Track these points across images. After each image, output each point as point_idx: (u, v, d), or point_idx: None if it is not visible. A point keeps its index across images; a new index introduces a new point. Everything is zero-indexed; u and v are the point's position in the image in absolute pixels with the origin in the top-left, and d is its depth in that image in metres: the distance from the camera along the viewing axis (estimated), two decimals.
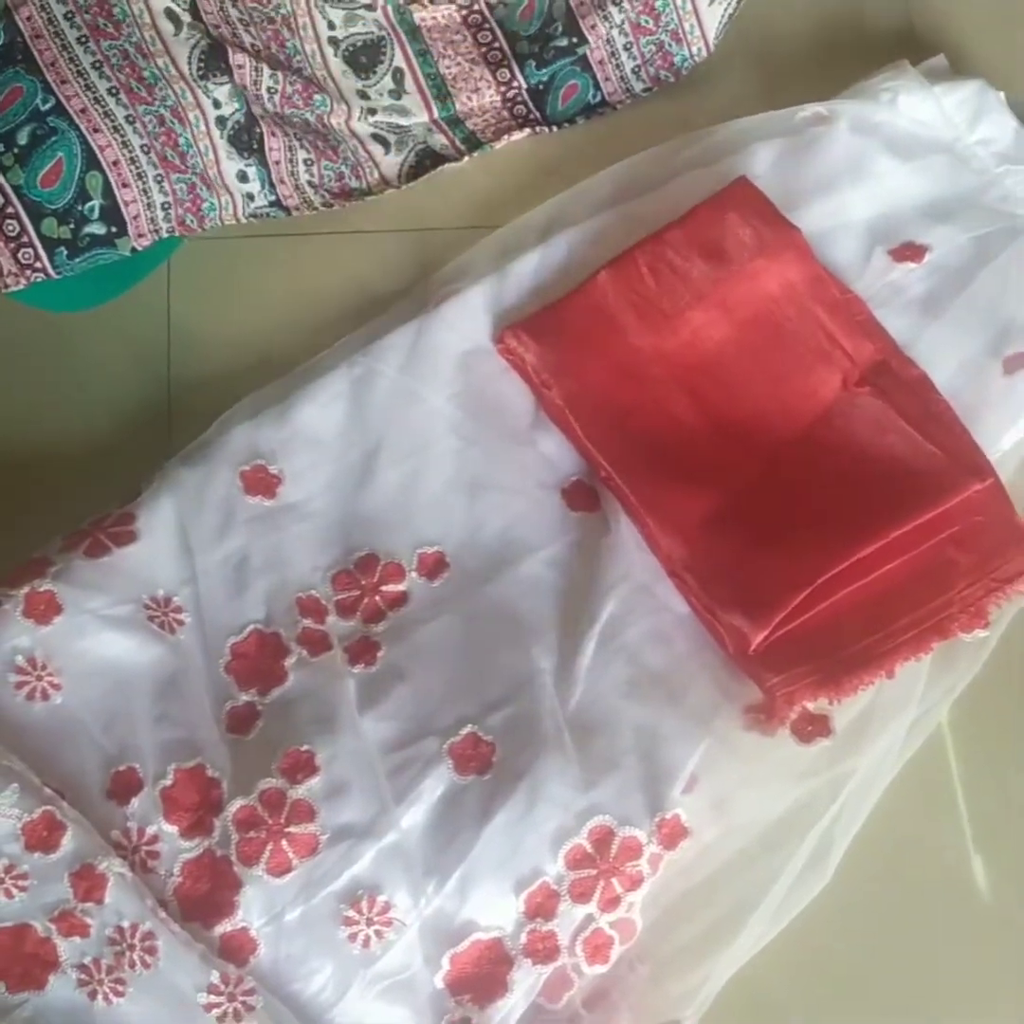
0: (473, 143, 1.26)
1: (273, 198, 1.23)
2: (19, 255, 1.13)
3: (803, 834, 1.02)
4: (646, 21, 1.25)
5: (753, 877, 1.01)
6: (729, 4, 1.25)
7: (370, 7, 1.23)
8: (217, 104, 1.19)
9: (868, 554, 1.02)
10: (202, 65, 1.19)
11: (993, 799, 1.09)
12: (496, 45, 1.26)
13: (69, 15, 1.17)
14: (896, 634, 1.01)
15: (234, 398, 1.11)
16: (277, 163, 1.22)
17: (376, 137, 1.25)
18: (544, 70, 1.26)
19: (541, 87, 1.27)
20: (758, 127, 1.21)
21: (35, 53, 1.15)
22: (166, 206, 1.18)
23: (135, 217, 1.16)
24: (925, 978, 1.05)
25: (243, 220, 1.22)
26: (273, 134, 1.21)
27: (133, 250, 1.16)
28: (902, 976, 1.05)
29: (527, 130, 1.27)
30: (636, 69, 1.27)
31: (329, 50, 1.24)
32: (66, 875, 0.90)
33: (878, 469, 1.07)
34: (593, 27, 1.25)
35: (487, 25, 1.26)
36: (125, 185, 1.16)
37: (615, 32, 1.25)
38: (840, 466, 1.08)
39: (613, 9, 1.25)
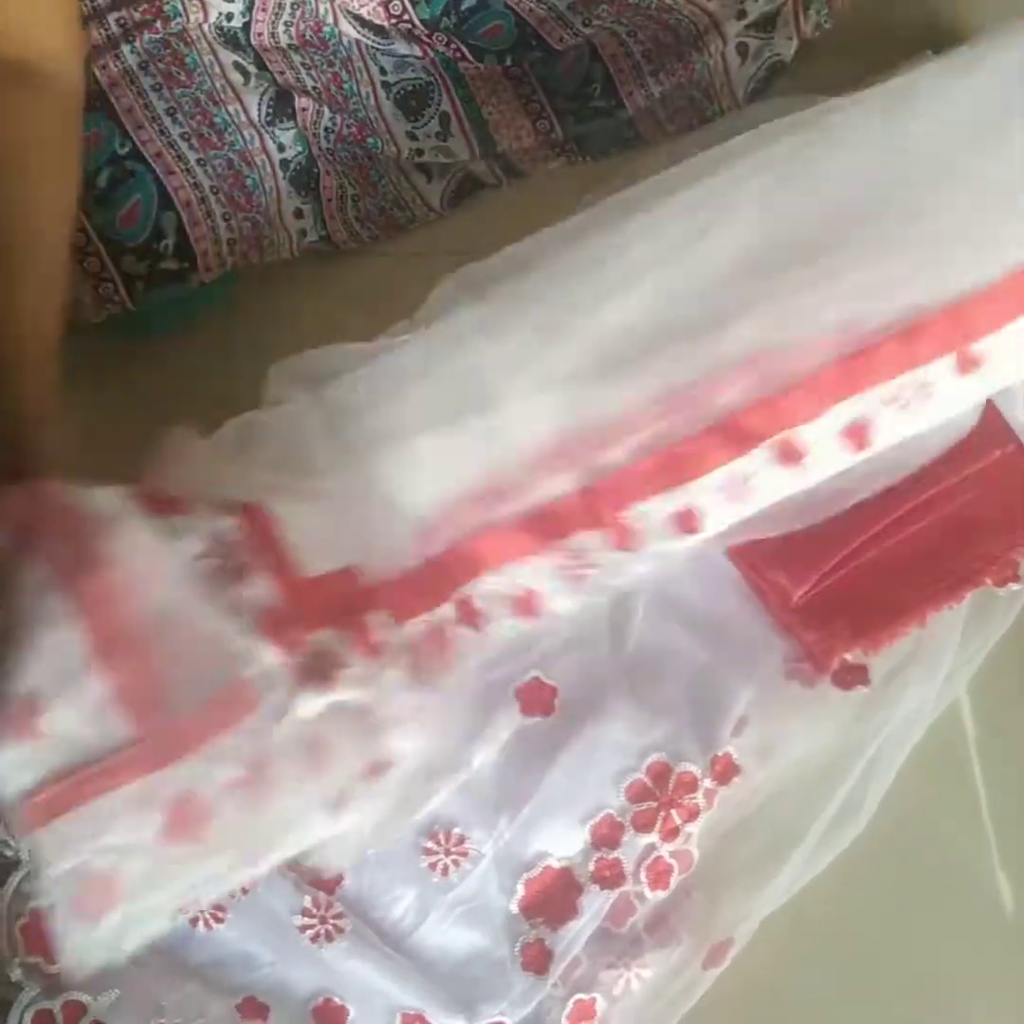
0: (512, 171, 1.32)
1: (323, 233, 1.28)
2: (100, 289, 1.18)
3: (842, 777, 1.08)
4: (679, 78, 1.28)
5: (796, 815, 1.08)
6: (760, 65, 1.29)
7: (420, 56, 1.28)
8: (282, 147, 1.24)
9: (899, 515, 1.08)
10: (270, 112, 1.23)
11: (1015, 799, 1.15)
12: (535, 98, 1.31)
13: (144, 64, 1.22)
14: (928, 585, 1.07)
15: None
16: (329, 200, 1.27)
17: (419, 167, 1.31)
18: (582, 126, 1.31)
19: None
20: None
21: (112, 99, 1.20)
22: (232, 242, 1.23)
23: (204, 253, 1.22)
24: (936, 980, 1.11)
25: (296, 254, 1.27)
26: (327, 173, 1.27)
27: (201, 283, 1.21)
28: (914, 978, 1.10)
29: (563, 158, 1.32)
30: (669, 117, 1.32)
31: (382, 93, 1.29)
32: None
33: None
34: (630, 94, 1.29)
35: (527, 79, 1.30)
36: (196, 223, 1.21)
37: (654, 101, 1.30)
38: None
39: (651, 80, 1.29)
